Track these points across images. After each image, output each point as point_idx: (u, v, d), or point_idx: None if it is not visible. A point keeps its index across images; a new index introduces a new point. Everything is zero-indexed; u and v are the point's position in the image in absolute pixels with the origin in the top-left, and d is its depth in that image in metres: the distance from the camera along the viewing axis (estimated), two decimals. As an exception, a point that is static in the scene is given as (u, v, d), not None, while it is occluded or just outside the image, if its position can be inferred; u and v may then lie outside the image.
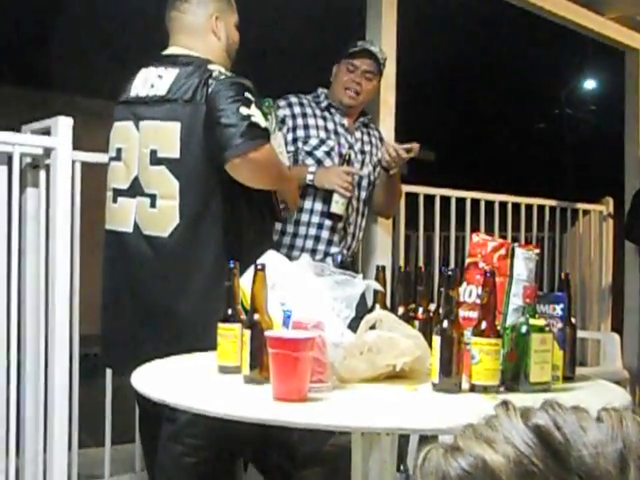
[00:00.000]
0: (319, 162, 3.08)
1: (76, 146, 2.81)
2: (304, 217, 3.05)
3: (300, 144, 3.09)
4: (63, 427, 2.72)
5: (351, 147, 3.18)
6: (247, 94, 2.32)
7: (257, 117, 2.31)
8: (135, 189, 2.41)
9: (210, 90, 2.31)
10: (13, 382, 2.66)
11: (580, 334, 2.25)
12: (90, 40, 9.21)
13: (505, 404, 0.68)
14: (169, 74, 2.40)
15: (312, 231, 3.06)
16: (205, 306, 2.28)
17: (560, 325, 1.82)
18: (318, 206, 3.05)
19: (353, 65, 3.17)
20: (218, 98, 2.29)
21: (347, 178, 2.99)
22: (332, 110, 3.20)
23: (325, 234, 3.07)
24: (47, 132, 2.81)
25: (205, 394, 1.69)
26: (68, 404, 2.75)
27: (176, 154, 2.33)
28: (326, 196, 3.02)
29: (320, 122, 3.15)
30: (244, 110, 2.28)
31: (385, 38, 3.61)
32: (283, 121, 3.04)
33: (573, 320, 1.93)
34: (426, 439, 3.21)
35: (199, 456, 2.32)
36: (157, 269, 2.37)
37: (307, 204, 3.04)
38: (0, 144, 2.69)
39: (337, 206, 3.01)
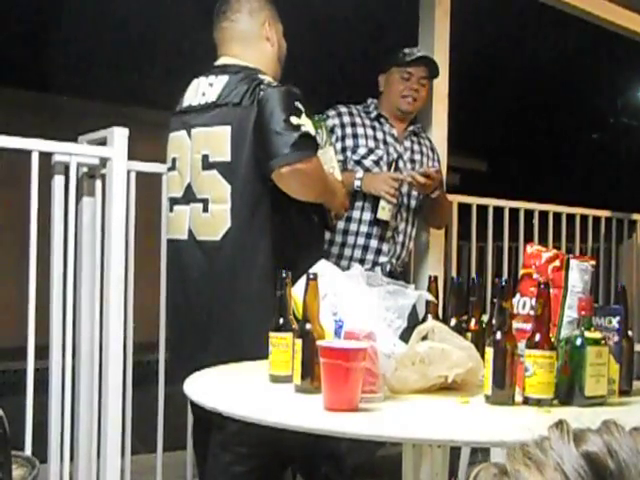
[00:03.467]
0: (367, 171, 3.08)
1: (131, 156, 2.85)
2: (352, 226, 3.05)
3: (349, 153, 3.10)
4: (116, 433, 2.75)
5: (400, 156, 3.17)
6: (297, 103, 2.33)
7: (307, 127, 2.31)
8: (188, 196, 2.43)
9: (261, 95, 2.31)
10: (68, 388, 2.70)
11: (637, 347, 2.19)
12: (145, 52, 9.36)
13: (560, 424, 0.65)
14: (219, 81, 2.42)
15: (360, 240, 3.05)
16: (258, 309, 2.28)
17: (616, 338, 1.78)
18: (367, 215, 3.05)
19: (409, 73, 3.17)
20: (269, 105, 2.30)
21: (393, 184, 2.98)
22: (382, 120, 3.20)
23: (374, 243, 3.06)
24: (103, 142, 2.86)
25: (256, 403, 1.69)
26: (121, 410, 2.78)
27: (227, 157, 2.34)
28: (374, 205, 3.02)
29: (369, 131, 3.15)
30: (294, 120, 2.28)
31: (438, 49, 3.59)
32: (332, 130, 3.04)
33: (630, 333, 1.89)
34: (477, 452, 3.18)
35: (248, 465, 2.33)
36: (209, 273, 2.39)
37: (355, 213, 3.04)
38: (57, 154, 2.75)
39: (383, 212, 3.00)
